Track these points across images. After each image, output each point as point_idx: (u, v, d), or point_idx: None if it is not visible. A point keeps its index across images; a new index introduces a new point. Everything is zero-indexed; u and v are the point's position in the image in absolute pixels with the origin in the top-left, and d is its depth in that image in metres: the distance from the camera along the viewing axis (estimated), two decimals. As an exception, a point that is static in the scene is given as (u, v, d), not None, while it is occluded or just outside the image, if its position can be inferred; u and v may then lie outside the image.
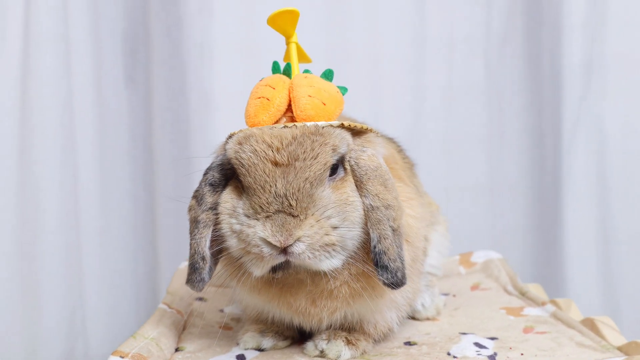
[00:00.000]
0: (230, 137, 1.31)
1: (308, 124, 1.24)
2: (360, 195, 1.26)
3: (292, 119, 1.28)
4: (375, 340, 1.47)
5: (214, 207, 1.30)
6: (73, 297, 2.59)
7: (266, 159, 1.20)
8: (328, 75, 1.38)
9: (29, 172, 2.52)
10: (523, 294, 1.82)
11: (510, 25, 2.80)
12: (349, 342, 1.40)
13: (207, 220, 1.30)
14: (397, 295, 1.40)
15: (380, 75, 2.78)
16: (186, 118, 2.67)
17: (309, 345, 1.42)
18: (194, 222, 1.31)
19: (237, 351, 1.43)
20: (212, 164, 1.35)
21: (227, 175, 1.32)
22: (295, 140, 1.21)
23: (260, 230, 1.19)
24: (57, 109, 2.53)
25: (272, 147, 1.21)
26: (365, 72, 2.78)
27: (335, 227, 1.22)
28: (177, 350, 1.45)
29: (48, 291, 2.57)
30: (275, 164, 1.20)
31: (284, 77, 1.32)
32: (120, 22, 2.68)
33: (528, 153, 2.85)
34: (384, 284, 1.24)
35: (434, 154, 2.82)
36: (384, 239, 1.23)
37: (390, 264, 1.23)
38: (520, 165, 2.85)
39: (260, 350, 1.44)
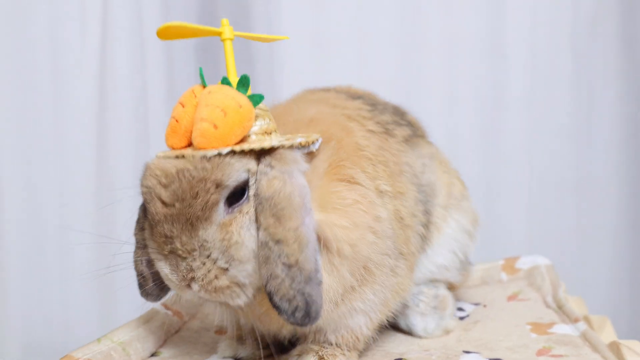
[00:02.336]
0: None
1: (197, 154, 1.11)
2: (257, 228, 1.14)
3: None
4: (358, 351, 1.35)
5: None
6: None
7: (156, 197, 1.13)
8: (244, 82, 1.20)
9: (106, 165, 2.60)
10: (560, 308, 1.62)
11: (602, 3, 2.52)
12: (320, 359, 1.30)
13: (142, 240, 1.26)
14: (356, 302, 1.25)
15: (456, 62, 2.60)
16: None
17: None
18: (135, 241, 1.30)
19: (212, 359, 1.38)
20: None
21: None
22: (177, 177, 1.11)
23: (163, 267, 1.16)
24: (132, 103, 2.59)
25: (160, 184, 1.12)
26: (440, 59, 2.61)
27: (225, 269, 1.12)
28: (153, 354, 1.41)
29: (122, 281, 2.63)
30: (163, 203, 1.12)
31: (198, 90, 1.17)
32: (191, 16, 2.69)
33: (622, 145, 2.57)
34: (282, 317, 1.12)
35: (515, 146, 2.60)
36: (273, 279, 1.09)
37: (283, 304, 1.10)
38: (612, 158, 2.58)
39: (236, 359, 1.38)
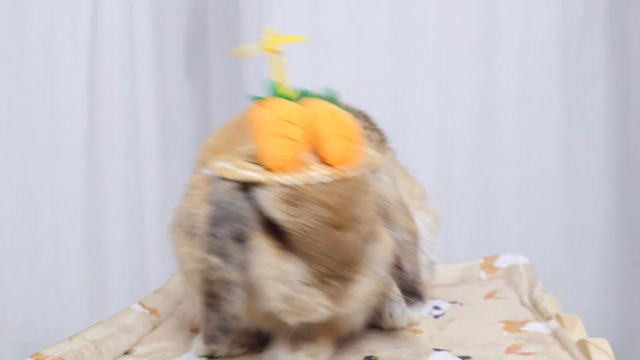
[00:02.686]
0: (252, 183, 1.13)
1: (353, 172, 1.11)
2: (388, 228, 1.21)
3: (324, 161, 1.11)
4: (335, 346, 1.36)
5: (243, 266, 1.15)
6: (137, 287, 2.66)
7: (327, 224, 1.07)
8: (334, 99, 1.20)
9: (96, 165, 2.62)
10: (534, 306, 1.63)
11: (591, 4, 2.53)
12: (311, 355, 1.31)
13: (238, 280, 1.15)
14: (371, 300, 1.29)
15: (448, 62, 2.61)
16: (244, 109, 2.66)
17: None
18: (223, 283, 1.14)
19: (186, 357, 1.38)
20: (225, 212, 1.15)
21: (252, 227, 1.15)
22: (350, 198, 1.10)
23: (320, 298, 1.09)
24: (121, 103, 2.61)
25: (331, 209, 1.07)
26: (432, 58, 2.61)
27: (380, 275, 1.18)
28: (126, 353, 1.42)
29: (114, 280, 2.67)
30: (337, 227, 1.08)
31: (300, 109, 1.14)
32: (181, 16, 2.71)
33: (612, 145, 2.57)
34: (410, 304, 1.29)
35: (507, 146, 2.61)
36: (417, 268, 1.25)
37: (420, 288, 1.26)
38: (602, 158, 2.58)
39: (211, 357, 1.38)
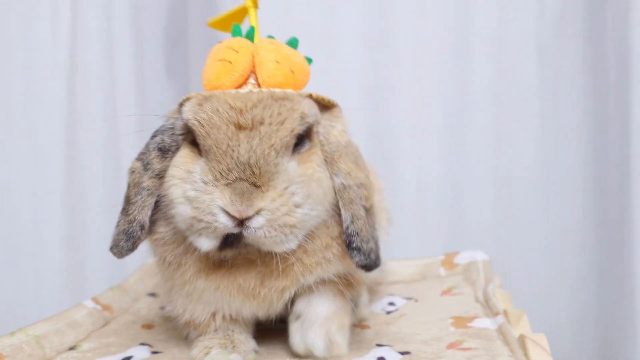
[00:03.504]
0: (186, 99, 1.21)
1: (276, 90, 1.16)
2: (331, 174, 1.19)
3: (257, 86, 1.20)
4: None
5: (161, 175, 1.21)
6: (116, 283, 2.68)
7: (229, 120, 1.10)
8: (293, 43, 1.28)
9: (75, 163, 2.64)
10: (487, 302, 1.62)
11: (568, 1, 2.51)
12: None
13: (153, 187, 1.21)
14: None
15: (423, 60, 2.60)
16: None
17: None
18: (136, 187, 1.21)
19: (130, 352, 1.39)
20: (161, 127, 1.25)
21: (178, 141, 1.22)
22: (261, 104, 1.12)
23: (218, 198, 1.09)
24: (100, 101, 2.63)
25: (236, 109, 1.11)
26: (407, 56, 2.61)
27: (298, 205, 1.13)
28: (71, 348, 1.42)
29: (92, 278, 2.68)
30: (239, 126, 1.10)
31: (247, 41, 1.23)
32: (161, 15, 2.73)
33: (588, 142, 2.55)
34: (357, 266, 1.19)
35: (481, 144, 2.60)
36: (357, 219, 1.18)
37: (363, 245, 1.18)
38: (578, 155, 2.56)
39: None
